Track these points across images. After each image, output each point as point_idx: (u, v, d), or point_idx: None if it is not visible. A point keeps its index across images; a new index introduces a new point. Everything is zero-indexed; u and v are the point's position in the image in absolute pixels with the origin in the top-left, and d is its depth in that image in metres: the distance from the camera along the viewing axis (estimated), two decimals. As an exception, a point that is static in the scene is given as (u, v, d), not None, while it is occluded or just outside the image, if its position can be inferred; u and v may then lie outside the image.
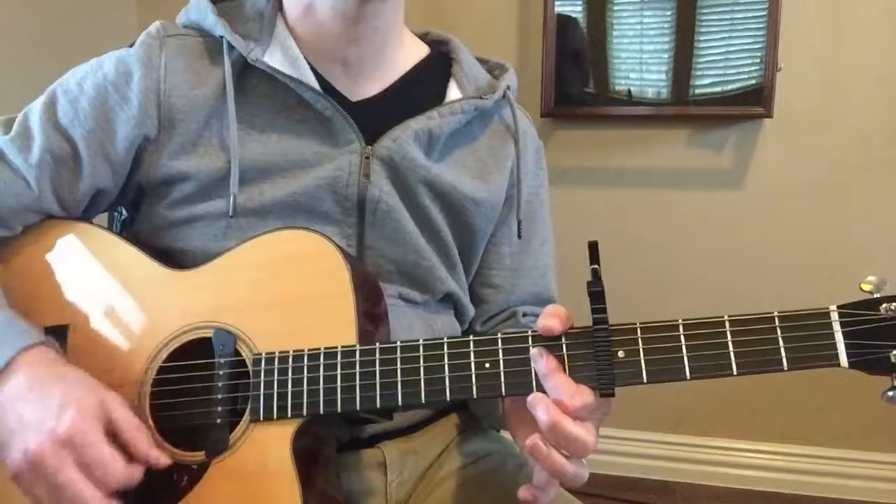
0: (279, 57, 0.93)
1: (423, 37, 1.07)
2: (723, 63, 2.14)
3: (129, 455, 0.76)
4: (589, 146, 2.33)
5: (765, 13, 2.09)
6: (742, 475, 2.36)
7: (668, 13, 2.16)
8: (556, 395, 0.73)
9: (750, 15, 2.11)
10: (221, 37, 0.91)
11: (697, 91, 2.17)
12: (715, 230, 2.31)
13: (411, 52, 1.02)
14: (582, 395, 0.73)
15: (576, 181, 2.33)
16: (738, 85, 2.14)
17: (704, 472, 2.39)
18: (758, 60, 2.11)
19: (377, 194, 0.92)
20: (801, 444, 2.33)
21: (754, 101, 2.13)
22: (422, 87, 1.00)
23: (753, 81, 2.13)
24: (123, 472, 0.74)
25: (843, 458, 2.30)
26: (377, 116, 0.94)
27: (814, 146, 2.20)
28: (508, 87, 1.03)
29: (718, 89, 2.16)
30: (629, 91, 2.22)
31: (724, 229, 2.30)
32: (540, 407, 0.73)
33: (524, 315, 1.05)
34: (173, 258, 0.91)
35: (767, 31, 2.09)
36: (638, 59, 2.19)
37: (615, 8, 2.18)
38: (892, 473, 2.27)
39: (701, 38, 2.15)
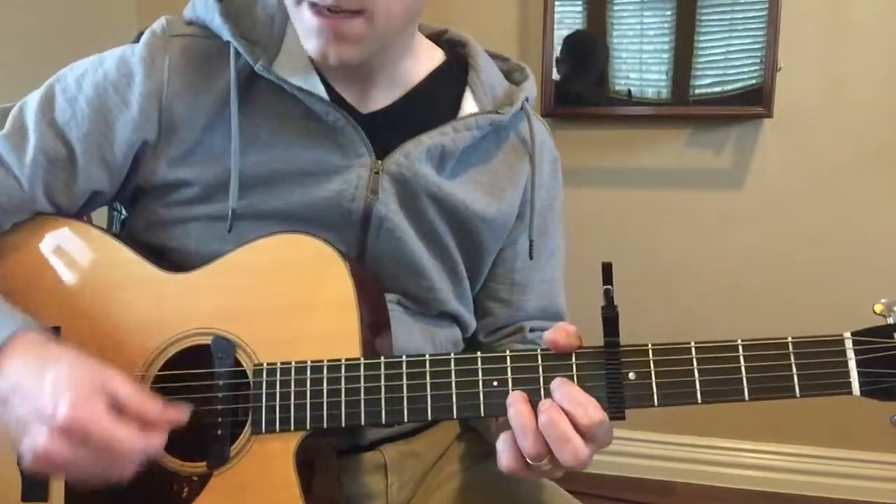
0: (288, 66, 0.89)
1: (440, 35, 1.03)
2: (723, 63, 2.14)
3: (143, 423, 0.74)
4: (589, 146, 2.32)
5: (765, 13, 2.08)
6: (742, 475, 2.36)
7: (668, 13, 2.15)
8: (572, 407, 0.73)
9: (750, 15, 2.10)
10: (228, 41, 0.88)
11: (697, 91, 2.17)
12: (715, 230, 2.30)
13: (424, 61, 0.97)
14: (598, 411, 0.73)
15: (576, 181, 2.31)
16: (738, 85, 2.14)
17: (704, 472, 2.38)
18: (758, 60, 2.10)
19: (383, 212, 0.89)
20: (801, 444, 2.33)
21: (754, 101, 2.12)
22: (435, 99, 0.96)
23: (753, 81, 2.12)
24: (138, 443, 0.72)
25: (843, 458, 2.30)
26: (388, 129, 0.91)
27: (814, 146, 2.20)
28: (527, 99, 0.99)
29: (718, 89, 2.15)
30: (629, 91, 2.21)
31: (724, 229, 2.30)
32: (545, 403, 0.73)
33: (531, 330, 1.03)
34: (167, 257, 0.89)
35: (767, 31, 2.08)
36: (638, 59, 2.19)
37: (615, 8, 2.18)
38: (892, 473, 2.27)
39: (701, 38, 2.14)
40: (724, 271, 2.31)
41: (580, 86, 2.25)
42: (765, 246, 2.27)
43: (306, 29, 0.82)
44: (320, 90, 0.90)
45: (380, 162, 0.90)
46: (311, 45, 0.83)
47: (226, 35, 0.88)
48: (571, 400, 0.72)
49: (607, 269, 0.74)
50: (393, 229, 0.90)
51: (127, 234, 0.96)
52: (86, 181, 0.89)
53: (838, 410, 2.25)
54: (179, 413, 0.76)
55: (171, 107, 0.87)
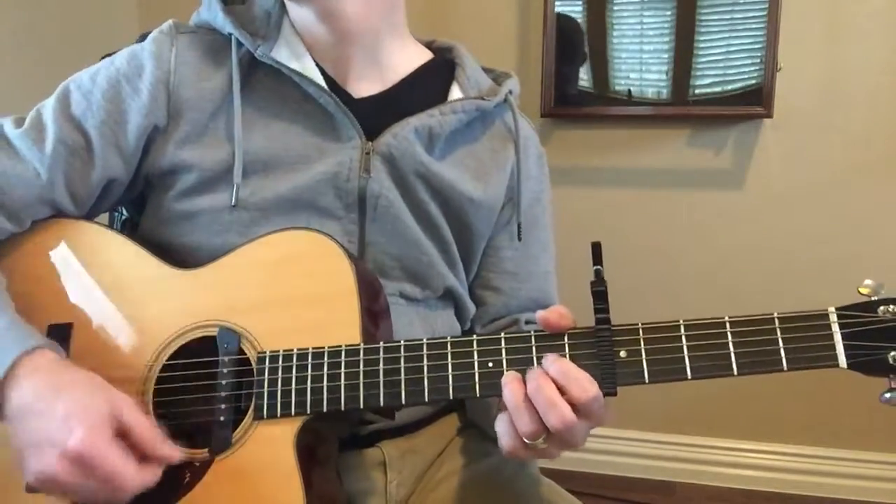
0: (285, 53, 0.96)
1: (429, 44, 1.09)
2: (723, 63, 2.15)
3: (142, 455, 0.76)
4: (589, 146, 2.33)
5: (765, 13, 2.09)
6: (742, 475, 2.36)
7: (668, 13, 2.16)
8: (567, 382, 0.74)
9: (750, 15, 2.11)
10: (230, 34, 0.94)
11: (697, 91, 2.18)
12: (715, 230, 2.31)
13: (414, 56, 1.04)
14: (592, 385, 0.74)
15: (576, 181, 2.33)
16: (738, 85, 2.14)
17: (705, 472, 2.39)
18: (758, 60, 2.11)
19: (377, 189, 0.93)
20: (802, 444, 2.33)
21: (754, 101, 2.13)
22: (424, 88, 1.01)
23: (753, 81, 2.13)
24: (137, 480, 0.74)
25: (844, 458, 2.30)
26: (378, 114, 0.95)
27: (814, 146, 2.21)
28: (510, 92, 1.04)
29: (718, 89, 2.16)
30: (629, 91, 2.22)
31: (724, 229, 2.30)
32: (533, 372, 0.74)
33: (526, 322, 1.05)
34: (175, 255, 0.92)
35: (767, 31, 2.09)
36: (638, 59, 2.20)
37: (615, 8, 2.19)
38: (892, 473, 2.27)
39: (701, 38, 2.15)
40: (724, 271, 2.31)
41: (578, 83, 2.25)
42: (765, 246, 2.28)
43: None
44: (316, 75, 0.95)
45: (370, 143, 0.94)
46: None
47: (228, 28, 0.94)
48: (564, 374, 0.73)
49: (597, 249, 0.76)
50: (388, 206, 0.94)
51: (133, 234, 0.98)
52: (102, 168, 0.92)
53: (838, 410, 2.25)
54: (173, 454, 0.78)
55: (178, 92, 0.92)
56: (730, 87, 2.15)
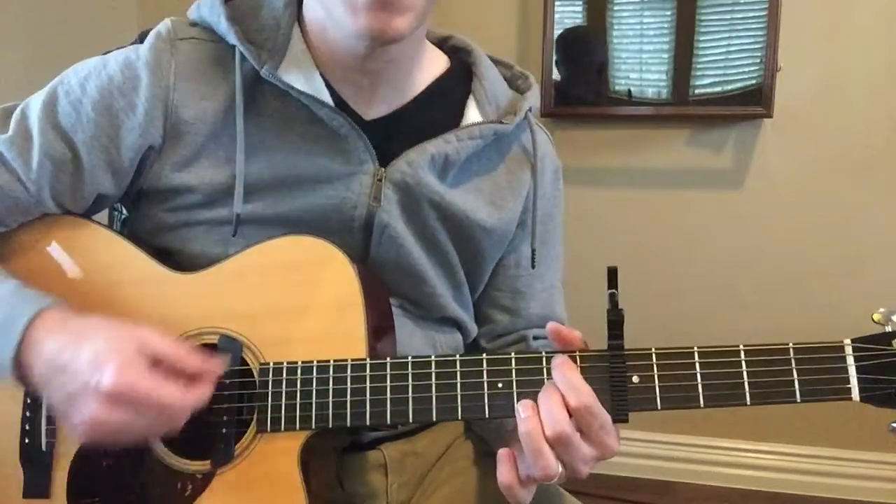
0: (293, 71, 0.88)
1: (445, 41, 1.03)
2: (723, 63, 2.14)
3: (187, 379, 0.76)
4: (589, 146, 2.33)
5: (765, 13, 2.08)
6: (742, 475, 2.36)
7: (668, 13, 2.15)
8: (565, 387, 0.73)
9: (750, 15, 2.10)
10: (234, 45, 0.87)
11: (697, 91, 2.17)
12: (715, 230, 2.31)
13: (430, 67, 0.97)
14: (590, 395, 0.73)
15: (576, 181, 2.31)
16: (738, 85, 2.14)
17: (705, 472, 2.39)
18: (758, 60, 2.11)
19: (386, 220, 0.89)
20: (801, 444, 2.33)
21: (754, 101, 2.13)
22: (439, 107, 0.95)
23: (753, 81, 2.12)
24: (187, 399, 0.74)
25: (843, 458, 2.30)
26: (392, 137, 0.91)
27: (814, 146, 2.20)
28: (530, 109, 0.99)
29: (718, 89, 2.16)
30: (629, 91, 2.21)
31: (723, 229, 2.30)
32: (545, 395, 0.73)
33: (534, 338, 1.03)
34: (172, 259, 0.89)
35: (767, 31, 2.08)
36: (638, 59, 2.19)
37: (615, 8, 2.18)
38: (891, 473, 2.27)
39: (701, 38, 2.14)
40: (724, 271, 2.31)
41: (578, 83, 2.25)
42: (765, 246, 2.27)
43: (353, 4, 0.79)
44: (325, 96, 0.89)
45: (383, 169, 0.89)
46: (361, 21, 0.79)
47: (231, 39, 0.87)
48: (566, 380, 0.73)
49: (613, 273, 0.75)
50: (395, 237, 0.90)
51: (131, 235, 0.95)
52: (91, 184, 0.88)
53: (838, 411, 2.24)
54: (216, 367, 0.78)
55: (177, 112, 0.86)
56: (730, 87, 2.15)
